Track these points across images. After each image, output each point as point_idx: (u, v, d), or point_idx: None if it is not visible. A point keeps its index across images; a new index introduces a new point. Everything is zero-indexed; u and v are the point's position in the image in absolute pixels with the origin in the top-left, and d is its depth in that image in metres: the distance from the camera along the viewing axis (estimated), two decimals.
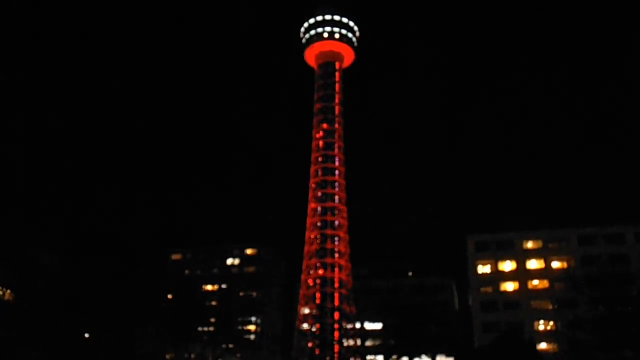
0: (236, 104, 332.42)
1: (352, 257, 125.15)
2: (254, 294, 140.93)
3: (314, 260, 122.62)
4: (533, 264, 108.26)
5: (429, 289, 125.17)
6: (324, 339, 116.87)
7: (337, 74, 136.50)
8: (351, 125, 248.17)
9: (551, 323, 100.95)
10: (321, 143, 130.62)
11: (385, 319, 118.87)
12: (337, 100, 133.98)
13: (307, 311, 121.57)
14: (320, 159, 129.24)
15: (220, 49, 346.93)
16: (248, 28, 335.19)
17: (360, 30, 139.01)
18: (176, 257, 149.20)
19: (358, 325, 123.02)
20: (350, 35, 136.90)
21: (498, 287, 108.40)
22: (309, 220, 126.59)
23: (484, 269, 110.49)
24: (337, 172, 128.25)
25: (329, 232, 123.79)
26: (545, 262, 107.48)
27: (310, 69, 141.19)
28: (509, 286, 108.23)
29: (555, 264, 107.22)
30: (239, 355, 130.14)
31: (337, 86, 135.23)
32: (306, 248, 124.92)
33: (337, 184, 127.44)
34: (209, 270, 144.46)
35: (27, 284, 68.49)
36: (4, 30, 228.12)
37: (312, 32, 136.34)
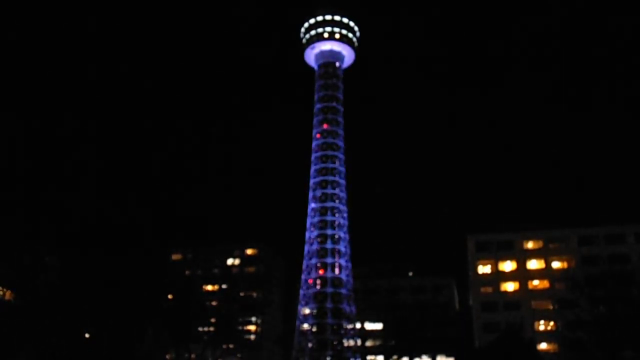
0: (236, 103, 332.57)
1: (352, 257, 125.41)
2: (254, 294, 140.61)
3: (314, 260, 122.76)
4: (533, 264, 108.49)
5: (429, 289, 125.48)
6: (324, 339, 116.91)
7: (337, 74, 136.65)
8: (351, 125, 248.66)
9: (551, 323, 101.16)
10: (321, 143, 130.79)
11: (385, 319, 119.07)
12: (337, 100, 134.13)
13: (307, 311, 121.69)
14: (320, 159, 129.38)
15: (220, 49, 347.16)
16: (248, 28, 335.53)
17: (360, 30, 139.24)
18: (176, 257, 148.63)
19: (358, 325, 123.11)
20: (350, 35, 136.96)
21: (498, 287, 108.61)
22: (309, 220, 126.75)
23: (484, 269, 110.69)
24: (337, 172, 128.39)
25: (329, 232, 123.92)
26: (545, 262, 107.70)
27: (310, 69, 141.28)
28: (509, 286, 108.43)
29: (555, 264, 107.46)
30: (239, 355, 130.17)
31: (337, 86, 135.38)
32: (306, 248, 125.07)
33: (337, 184, 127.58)
34: (209, 270, 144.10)
35: (27, 284, 68.42)
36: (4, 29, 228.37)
37: (312, 32, 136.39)
